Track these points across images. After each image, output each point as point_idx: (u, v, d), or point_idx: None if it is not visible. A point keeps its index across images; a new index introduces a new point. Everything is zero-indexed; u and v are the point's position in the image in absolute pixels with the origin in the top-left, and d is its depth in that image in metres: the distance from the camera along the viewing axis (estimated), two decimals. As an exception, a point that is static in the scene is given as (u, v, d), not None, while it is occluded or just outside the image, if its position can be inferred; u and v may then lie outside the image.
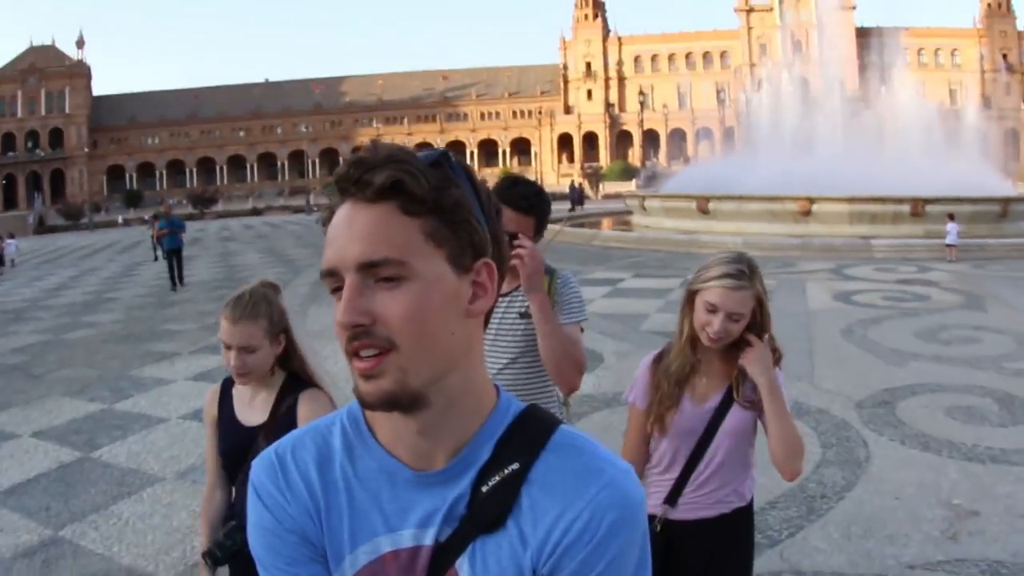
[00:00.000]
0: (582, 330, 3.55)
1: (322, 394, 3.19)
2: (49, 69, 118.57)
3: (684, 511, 3.12)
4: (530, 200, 3.43)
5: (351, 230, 1.18)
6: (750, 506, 3.21)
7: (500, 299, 3.24)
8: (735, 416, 3.05)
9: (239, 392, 3.24)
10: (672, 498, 3.11)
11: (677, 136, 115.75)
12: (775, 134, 41.86)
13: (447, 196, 1.21)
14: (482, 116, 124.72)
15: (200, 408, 4.77)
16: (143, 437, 8.60)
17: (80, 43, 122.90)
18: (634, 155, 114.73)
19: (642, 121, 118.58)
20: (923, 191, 25.46)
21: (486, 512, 1.25)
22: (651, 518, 3.06)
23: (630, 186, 75.31)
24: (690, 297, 3.04)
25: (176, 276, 21.80)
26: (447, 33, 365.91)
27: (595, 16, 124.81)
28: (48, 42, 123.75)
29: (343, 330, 1.17)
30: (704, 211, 29.29)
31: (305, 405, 3.13)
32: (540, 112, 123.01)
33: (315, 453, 1.32)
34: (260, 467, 1.34)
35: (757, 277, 2.96)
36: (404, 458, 1.28)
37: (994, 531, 5.35)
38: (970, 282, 17.46)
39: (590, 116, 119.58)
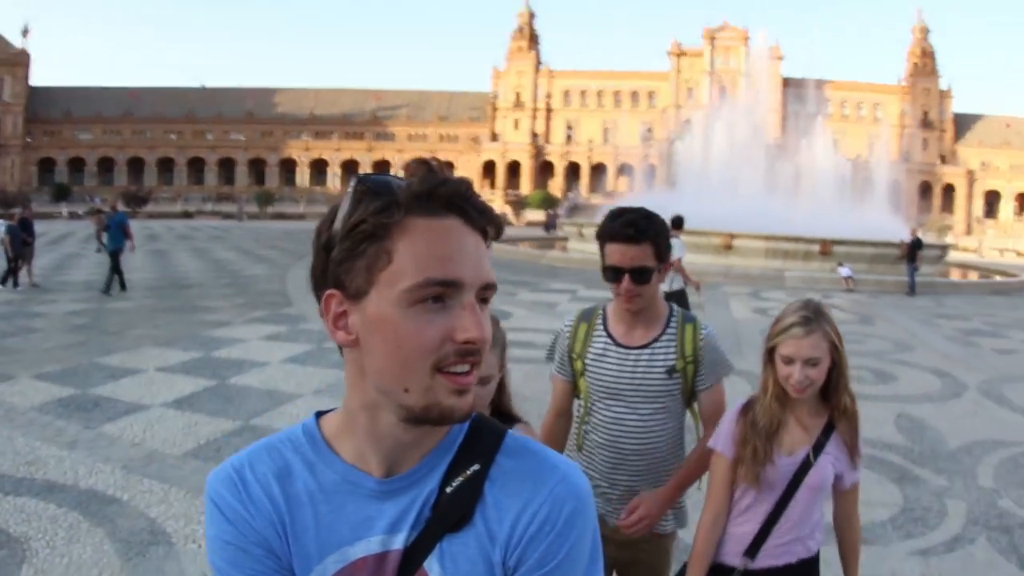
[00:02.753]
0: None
1: (530, 431, 2.97)
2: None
3: (759, 560, 3.10)
4: (638, 226, 3.17)
5: (477, 251, 1.23)
6: (816, 557, 3.18)
7: (640, 350, 3.34)
8: (820, 470, 3.03)
9: None
10: (753, 550, 3.09)
11: (599, 170, 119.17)
12: (702, 174, 46.00)
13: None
14: (410, 137, 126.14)
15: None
16: (260, 372, 11.23)
17: (25, 32, 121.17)
18: (555, 185, 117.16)
19: (566, 153, 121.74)
20: (832, 234, 29.66)
21: (453, 510, 1.29)
22: (730, 570, 3.12)
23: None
24: (769, 353, 3.05)
25: (116, 279, 20.28)
26: (380, 52, 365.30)
27: (529, 48, 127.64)
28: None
29: (452, 344, 1.19)
30: None
31: None
32: (467, 138, 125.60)
33: (273, 467, 1.33)
34: (218, 481, 1.33)
35: (825, 319, 2.99)
36: (371, 469, 1.31)
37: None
38: (864, 306, 22.09)
39: (516, 145, 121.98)
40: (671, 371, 3.33)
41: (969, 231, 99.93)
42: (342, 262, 1.23)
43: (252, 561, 1.29)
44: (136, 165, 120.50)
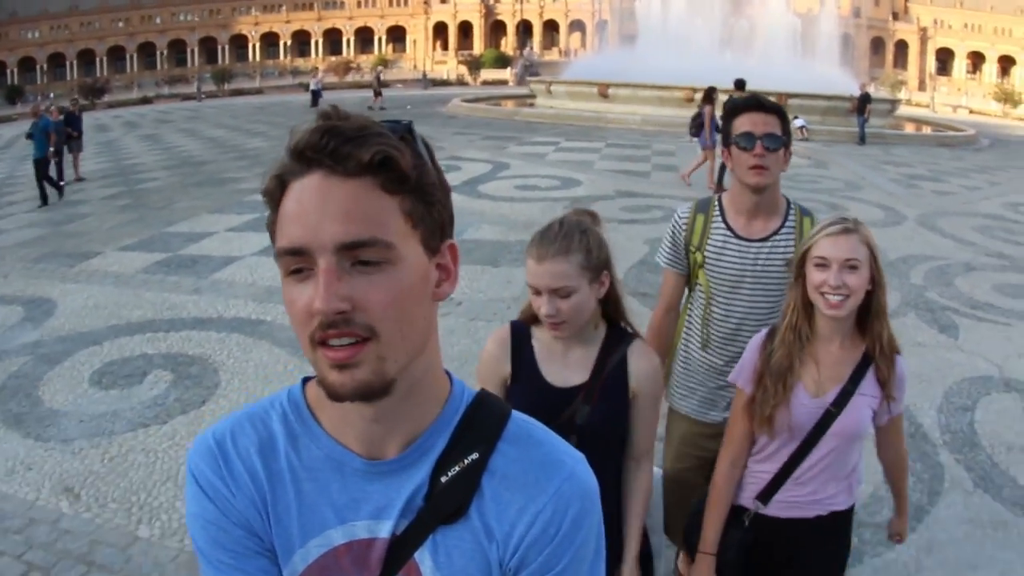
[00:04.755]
0: None
1: (650, 347, 2.75)
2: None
3: (777, 508, 2.89)
4: (767, 99, 3.38)
5: (328, 206, 1.08)
6: (850, 511, 2.96)
7: (761, 243, 3.37)
8: (852, 414, 2.75)
9: (543, 345, 2.71)
10: (766, 496, 2.89)
11: (551, 27, 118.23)
12: (661, 31, 47.61)
13: (424, 174, 1.16)
14: (359, 4, 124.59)
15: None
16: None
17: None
18: (507, 44, 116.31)
19: (516, 11, 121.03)
20: (786, 87, 31.62)
21: (447, 503, 1.22)
22: (741, 510, 2.96)
23: (505, 74, 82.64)
24: (800, 265, 2.75)
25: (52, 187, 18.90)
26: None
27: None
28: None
29: (315, 317, 1.07)
30: (604, 95, 35.83)
31: (638, 361, 2.68)
32: (417, 1, 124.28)
33: (257, 441, 1.27)
34: (199, 455, 1.27)
35: (864, 227, 2.71)
36: (353, 447, 1.24)
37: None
38: (818, 153, 24.61)
39: (466, 5, 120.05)
40: (790, 264, 3.18)
41: (922, 87, 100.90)
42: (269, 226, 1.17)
43: (231, 541, 1.23)
44: (87, 57, 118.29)
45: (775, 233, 3.39)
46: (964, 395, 6.98)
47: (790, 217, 3.43)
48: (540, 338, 2.72)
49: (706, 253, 3.47)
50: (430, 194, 1.16)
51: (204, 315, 9.04)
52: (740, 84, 19.23)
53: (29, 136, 19.60)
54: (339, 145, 1.08)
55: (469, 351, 7.47)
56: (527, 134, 28.59)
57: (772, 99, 3.47)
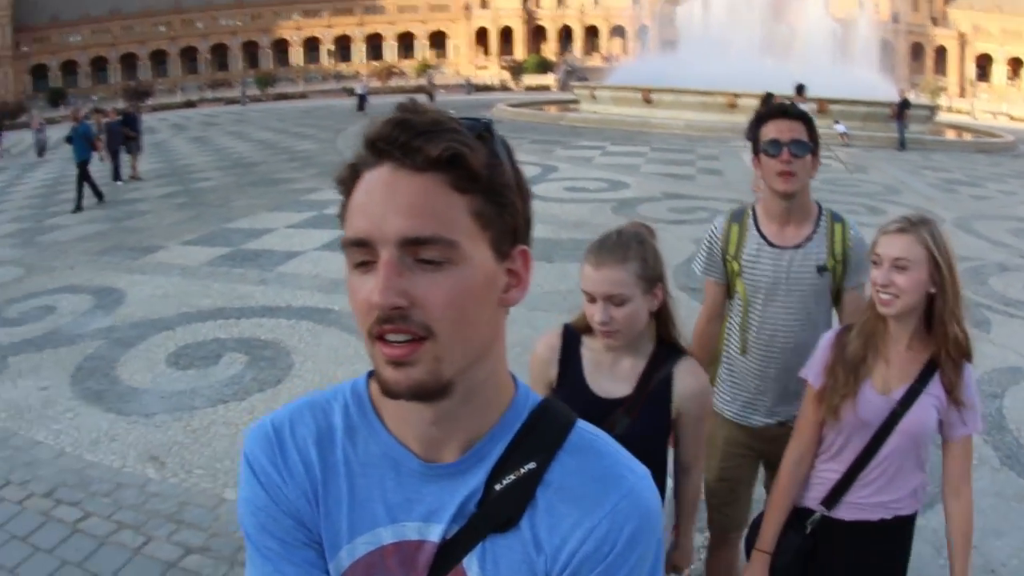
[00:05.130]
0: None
1: (699, 365, 2.78)
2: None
3: (843, 511, 2.88)
4: (794, 106, 3.46)
5: (394, 200, 1.07)
6: (914, 517, 2.93)
7: (794, 250, 3.41)
8: (918, 413, 2.72)
9: (593, 354, 2.75)
10: (832, 500, 2.88)
11: (592, 32, 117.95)
12: (702, 38, 47.93)
13: (498, 174, 1.13)
14: (400, 9, 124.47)
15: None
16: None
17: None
18: (548, 49, 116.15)
19: (557, 17, 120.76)
20: (826, 93, 31.80)
21: (499, 512, 1.19)
22: (806, 513, 2.94)
23: (548, 79, 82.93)
24: (874, 264, 2.75)
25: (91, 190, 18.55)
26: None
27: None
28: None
29: (373, 310, 1.07)
30: (648, 101, 36.38)
31: (684, 378, 2.69)
32: (458, 6, 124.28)
33: (315, 431, 1.26)
34: (255, 440, 1.27)
35: (928, 227, 2.67)
36: (411, 446, 1.22)
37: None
38: (859, 159, 24.52)
39: (507, 10, 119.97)
40: (822, 269, 3.40)
41: (963, 94, 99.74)
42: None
43: (280, 529, 1.22)
44: (129, 61, 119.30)
45: (807, 240, 3.42)
46: (994, 384, 7.31)
47: (821, 223, 3.46)
48: (591, 347, 2.75)
49: (742, 262, 3.52)
50: (503, 195, 1.14)
51: (272, 304, 9.48)
52: (800, 89, 19.67)
53: (68, 140, 19.66)
54: (410, 138, 1.07)
55: (528, 338, 7.69)
56: (573, 138, 29.32)
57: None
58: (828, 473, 2.90)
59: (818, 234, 3.43)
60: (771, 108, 3.43)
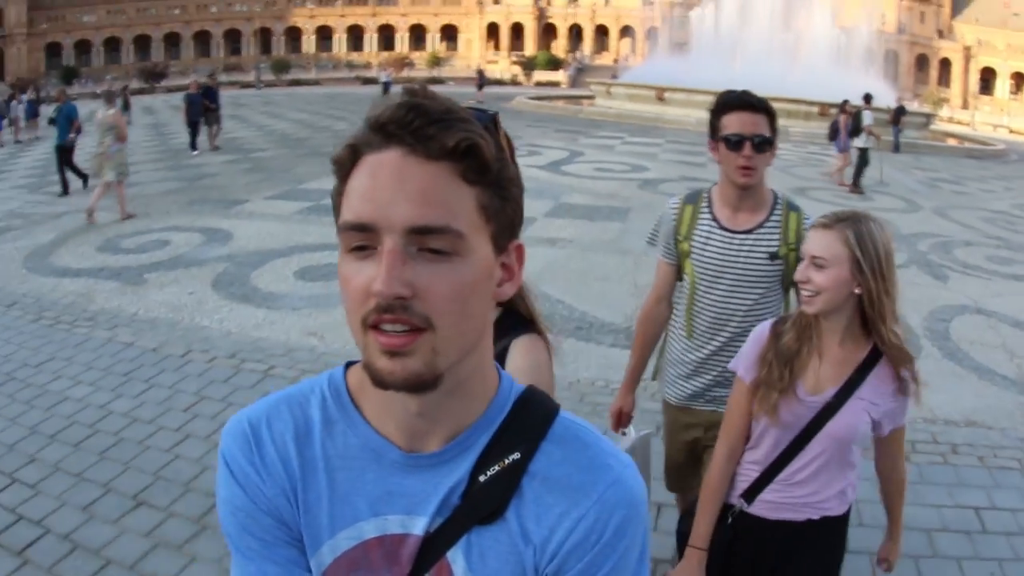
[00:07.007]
0: None
1: (540, 342, 2.26)
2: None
3: (765, 509, 2.82)
4: (756, 98, 3.33)
5: (403, 186, 1.03)
6: (845, 516, 2.87)
7: (744, 235, 3.39)
8: (846, 417, 2.65)
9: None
10: (751, 494, 2.84)
11: (601, 31, 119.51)
12: (714, 43, 50.28)
13: (505, 168, 1.13)
14: (413, 2, 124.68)
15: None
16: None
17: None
18: (558, 47, 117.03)
19: (568, 15, 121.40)
20: (830, 98, 33.67)
21: (484, 503, 1.18)
22: (727, 507, 2.89)
23: (558, 75, 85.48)
24: None
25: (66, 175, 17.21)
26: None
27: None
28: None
29: (372, 298, 1.03)
30: (661, 99, 38.77)
31: (520, 356, 2.19)
32: (470, 0, 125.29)
33: (292, 426, 1.23)
34: (232, 438, 1.23)
35: (854, 225, 2.58)
36: (393, 437, 1.19)
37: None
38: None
39: (518, 7, 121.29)
40: (773, 256, 3.33)
41: (966, 106, 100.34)
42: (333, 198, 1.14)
43: (260, 529, 1.21)
44: (142, 42, 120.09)
45: (760, 226, 3.38)
46: (945, 313, 9.52)
47: (776, 210, 3.42)
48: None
49: (692, 243, 3.49)
50: (507, 189, 1.12)
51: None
52: (868, 98, 21.79)
53: (52, 122, 18.89)
54: (424, 125, 1.04)
55: (584, 271, 10.35)
56: (592, 129, 31.47)
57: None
58: (752, 470, 2.86)
59: (771, 221, 3.41)
60: (735, 96, 3.36)
